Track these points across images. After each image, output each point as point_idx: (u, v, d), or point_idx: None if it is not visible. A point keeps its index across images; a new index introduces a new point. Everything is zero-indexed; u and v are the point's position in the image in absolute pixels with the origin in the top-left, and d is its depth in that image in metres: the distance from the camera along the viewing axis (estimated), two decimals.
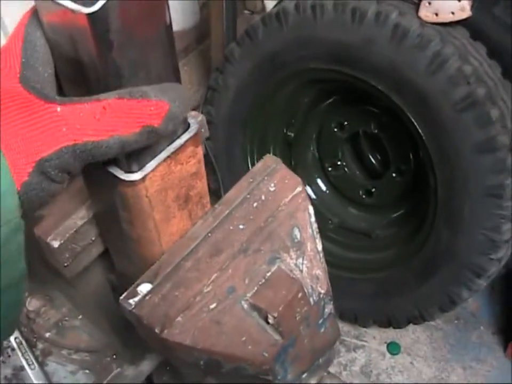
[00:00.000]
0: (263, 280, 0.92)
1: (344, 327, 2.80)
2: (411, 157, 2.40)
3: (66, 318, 1.30)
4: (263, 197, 0.97)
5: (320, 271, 0.98)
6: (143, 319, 0.87)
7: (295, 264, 0.96)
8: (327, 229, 2.70)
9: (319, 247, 0.99)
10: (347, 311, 2.64)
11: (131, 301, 0.87)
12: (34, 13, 0.71)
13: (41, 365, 1.29)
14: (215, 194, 2.61)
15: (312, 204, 2.62)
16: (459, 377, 2.65)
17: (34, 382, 1.26)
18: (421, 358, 2.72)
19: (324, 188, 2.76)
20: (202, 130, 1.05)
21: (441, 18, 2.00)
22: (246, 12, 3.41)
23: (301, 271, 0.96)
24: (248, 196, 0.97)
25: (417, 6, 2.01)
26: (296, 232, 0.97)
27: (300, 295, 0.93)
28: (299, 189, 0.99)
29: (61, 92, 0.76)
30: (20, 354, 1.28)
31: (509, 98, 2.08)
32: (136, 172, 0.80)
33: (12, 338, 1.30)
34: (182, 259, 0.90)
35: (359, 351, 2.76)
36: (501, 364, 2.68)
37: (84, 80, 0.71)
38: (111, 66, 0.69)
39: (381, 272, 2.47)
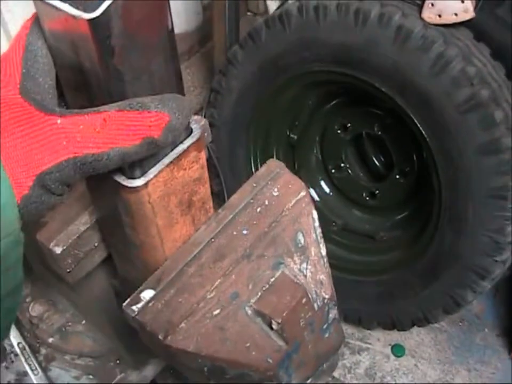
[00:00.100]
0: (267, 286, 0.92)
1: (348, 329, 2.79)
2: (415, 158, 2.39)
3: (70, 323, 1.30)
4: (266, 202, 0.96)
5: (324, 276, 0.97)
6: (146, 326, 0.86)
7: (299, 269, 0.95)
8: (331, 231, 2.69)
9: (323, 251, 0.98)
10: (351, 313, 2.63)
11: (134, 307, 0.87)
12: (36, 20, 0.70)
13: (45, 370, 1.29)
14: (218, 197, 2.60)
15: (316, 206, 2.61)
16: (464, 379, 2.64)
17: None
18: (426, 360, 2.71)
19: (327, 190, 2.75)
20: (206, 134, 1.05)
21: (444, 20, 1.99)
22: (248, 13, 3.40)
23: (305, 276, 0.95)
24: (252, 201, 0.96)
25: (420, 7, 2.00)
26: (300, 237, 0.97)
27: (304, 300, 0.93)
28: (303, 193, 0.98)
29: (62, 99, 0.76)
30: (23, 359, 1.28)
31: None
32: (138, 178, 0.79)
33: (15, 344, 1.29)
34: (185, 265, 0.90)
35: (363, 353, 2.75)
36: (506, 366, 2.66)
37: (86, 86, 0.70)
38: (113, 72, 0.68)
39: (385, 274, 2.46)
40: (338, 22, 2.08)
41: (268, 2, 3.20)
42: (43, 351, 1.31)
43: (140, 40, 0.69)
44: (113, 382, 1.28)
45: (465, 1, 1.92)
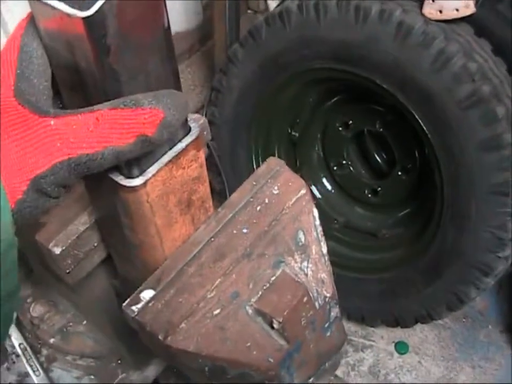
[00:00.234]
0: (268, 285, 0.92)
1: (351, 327, 2.79)
2: (416, 155, 2.38)
3: (71, 324, 1.30)
4: (266, 200, 0.96)
5: (325, 274, 0.97)
6: (146, 326, 0.86)
7: (300, 268, 0.95)
8: (333, 229, 2.68)
9: (324, 250, 0.98)
10: (354, 311, 2.62)
11: (134, 307, 0.86)
12: (31, 20, 0.70)
13: (46, 371, 1.29)
14: (220, 196, 2.60)
15: (318, 204, 2.61)
16: (467, 376, 2.63)
17: None
18: (429, 357, 2.70)
19: (329, 187, 2.74)
20: (205, 133, 1.04)
21: (445, 16, 1.98)
22: (249, 11, 3.40)
23: (306, 274, 0.95)
24: (252, 199, 0.96)
25: (421, 3, 1.99)
26: (301, 235, 0.96)
27: (305, 299, 0.92)
28: (303, 191, 0.98)
29: (59, 97, 0.75)
30: (24, 360, 1.28)
31: None
32: (137, 177, 0.79)
33: (16, 345, 1.29)
34: (185, 264, 0.90)
35: (367, 351, 2.74)
36: (510, 363, 2.65)
37: (82, 85, 0.70)
38: (109, 71, 0.68)
39: (388, 272, 2.45)
40: (338, 19, 2.07)
41: (269, 1, 3.19)
42: (44, 351, 1.30)
43: (135, 39, 0.68)
44: (114, 383, 1.28)
45: None
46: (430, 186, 2.24)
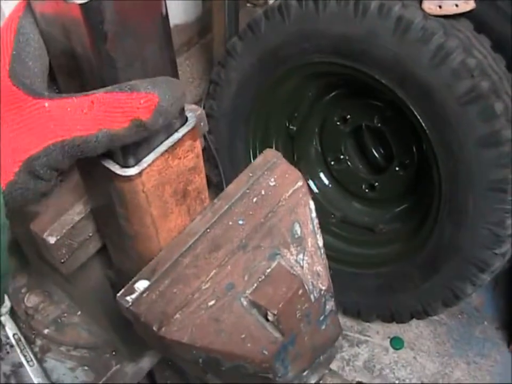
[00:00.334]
0: (263, 277, 0.91)
1: (347, 321, 2.79)
2: (414, 151, 2.38)
3: (65, 315, 1.29)
4: (263, 192, 0.95)
5: (321, 267, 0.96)
6: (140, 317, 0.85)
7: (296, 260, 0.94)
8: (330, 223, 2.68)
9: (320, 242, 0.97)
10: (350, 306, 2.63)
11: (128, 298, 0.86)
12: (28, 4, 0.69)
13: (40, 361, 1.28)
14: (218, 188, 2.60)
15: (315, 198, 2.61)
16: (463, 372, 2.63)
17: (33, 379, 1.25)
18: (425, 353, 2.71)
19: (326, 182, 2.74)
20: (202, 124, 1.04)
21: (445, 11, 1.98)
22: (248, 4, 3.39)
23: (302, 267, 0.94)
24: (248, 191, 0.95)
25: None
26: (297, 227, 0.95)
27: (300, 291, 0.92)
28: (300, 183, 0.97)
29: (55, 85, 0.75)
30: (18, 351, 1.27)
31: None
32: (132, 166, 0.78)
33: (10, 335, 1.29)
34: (180, 255, 0.89)
35: (362, 346, 2.75)
36: (505, 359, 2.66)
37: (78, 72, 0.69)
38: (106, 58, 0.67)
39: (384, 267, 2.46)
40: (338, 13, 2.07)
41: None
42: (38, 342, 1.30)
43: (132, 26, 0.68)
44: (108, 374, 1.28)
45: None
46: (428, 182, 2.24)
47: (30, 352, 1.27)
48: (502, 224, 2.06)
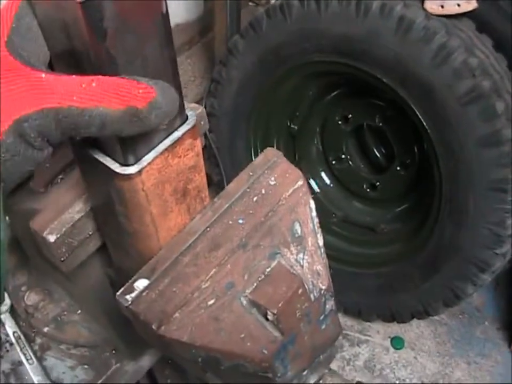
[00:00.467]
0: (263, 276, 0.91)
1: (347, 321, 2.79)
2: (415, 150, 2.38)
3: (65, 313, 1.29)
4: (263, 191, 0.95)
5: (321, 266, 0.96)
6: (139, 315, 0.85)
7: (296, 260, 0.94)
8: (331, 223, 2.68)
9: (320, 242, 0.97)
10: (351, 306, 2.63)
11: (128, 296, 0.86)
12: (28, 1, 0.69)
13: (40, 360, 1.28)
14: (218, 187, 2.60)
15: (316, 198, 2.61)
16: (463, 372, 2.63)
17: (33, 377, 1.25)
18: (425, 353, 2.71)
19: (328, 181, 2.74)
20: (202, 122, 1.03)
21: (447, 11, 1.98)
22: (250, 3, 3.39)
23: (302, 266, 0.94)
24: (248, 190, 0.95)
25: None
26: (297, 226, 0.95)
27: (300, 291, 0.91)
28: (300, 182, 0.97)
29: None
30: (18, 349, 1.27)
31: None
32: (132, 165, 0.78)
33: (10, 333, 1.28)
34: (180, 254, 0.89)
35: (362, 345, 2.75)
36: (506, 359, 2.66)
37: (78, 69, 0.69)
38: (106, 55, 0.67)
39: (385, 267, 2.46)
40: (339, 12, 2.07)
41: None
42: (38, 340, 1.29)
43: (133, 23, 0.68)
44: (108, 372, 1.27)
45: None
46: (429, 182, 2.24)
47: (29, 350, 1.27)
48: (502, 224, 2.06)
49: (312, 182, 2.73)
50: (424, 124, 2.07)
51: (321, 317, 0.98)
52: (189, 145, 0.83)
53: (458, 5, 1.96)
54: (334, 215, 2.69)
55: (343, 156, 2.65)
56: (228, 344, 0.88)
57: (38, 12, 0.68)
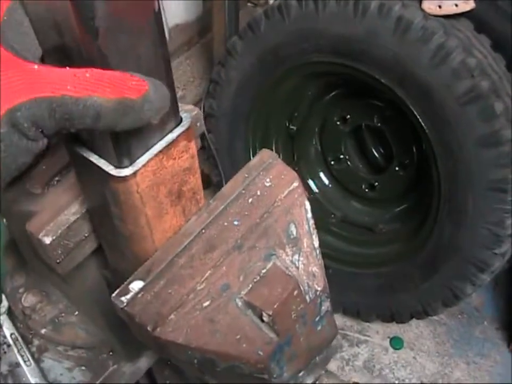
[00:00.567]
0: (258, 278, 0.91)
1: (347, 321, 2.79)
2: (414, 150, 2.38)
3: (63, 314, 1.29)
4: (258, 193, 0.95)
5: (316, 267, 0.96)
6: (135, 317, 0.85)
7: (291, 261, 0.94)
8: (330, 223, 2.68)
9: (316, 243, 0.97)
10: (350, 306, 2.63)
11: (123, 298, 0.86)
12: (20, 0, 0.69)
13: (37, 361, 1.28)
14: (218, 188, 2.59)
15: (315, 198, 2.60)
16: (462, 372, 2.63)
17: (30, 379, 1.25)
18: (424, 353, 2.71)
19: (326, 181, 2.74)
20: (198, 124, 1.04)
21: (444, 11, 1.98)
22: (249, 4, 3.39)
23: (297, 267, 0.94)
24: (244, 191, 0.95)
25: None
26: (292, 228, 0.95)
27: (295, 292, 0.91)
28: (295, 184, 0.97)
29: None
30: (15, 350, 1.27)
31: None
32: (127, 167, 0.78)
33: (7, 335, 1.29)
34: (175, 256, 0.89)
35: (362, 345, 2.75)
36: (505, 359, 2.66)
37: (70, 65, 0.69)
38: (97, 54, 0.67)
39: (384, 267, 2.46)
40: (337, 13, 2.07)
41: None
42: (36, 342, 1.30)
43: (125, 21, 0.67)
44: (106, 374, 1.28)
45: None
46: (428, 182, 2.24)
47: (27, 352, 1.27)
48: (501, 224, 2.06)
49: (311, 182, 2.73)
50: (423, 124, 2.07)
51: (317, 318, 0.98)
52: (184, 147, 0.83)
53: (456, 5, 1.96)
54: (332, 215, 2.69)
55: (341, 156, 2.65)
56: (223, 346, 0.88)
57: (29, 10, 0.68)
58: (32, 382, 1.24)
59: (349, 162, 2.66)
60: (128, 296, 0.86)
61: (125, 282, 0.87)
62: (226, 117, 2.55)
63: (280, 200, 0.95)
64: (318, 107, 2.59)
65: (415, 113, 2.07)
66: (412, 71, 2.01)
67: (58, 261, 0.97)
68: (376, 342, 2.76)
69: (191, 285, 0.87)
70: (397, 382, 2.63)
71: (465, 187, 2.07)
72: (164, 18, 3.23)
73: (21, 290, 1.31)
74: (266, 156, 0.99)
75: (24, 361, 1.26)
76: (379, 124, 2.42)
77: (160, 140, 0.80)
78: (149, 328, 0.85)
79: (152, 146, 0.80)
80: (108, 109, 0.65)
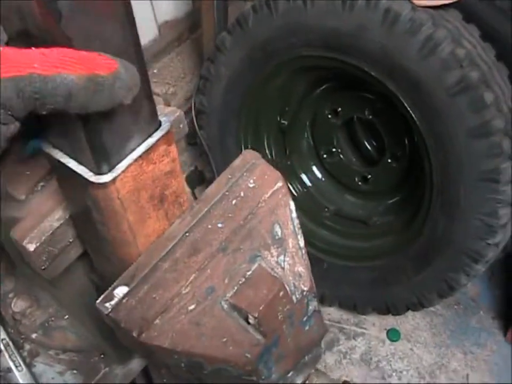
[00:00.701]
0: (243, 280, 0.91)
1: (343, 314, 2.79)
2: (406, 142, 2.37)
3: (53, 319, 1.29)
4: (242, 194, 0.95)
5: (302, 267, 0.96)
6: (120, 323, 0.85)
7: (277, 262, 0.94)
8: (324, 217, 2.68)
9: (301, 243, 0.97)
10: (346, 299, 2.62)
11: (107, 304, 0.86)
12: None
13: (29, 366, 1.28)
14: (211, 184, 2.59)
15: (308, 192, 2.59)
16: (459, 363, 2.63)
17: None
18: (421, 344, 2.71)
19: (319, 175, 2.74)
20: (181, 126, 1.03)
21: (433, 2, 1.97)
22: None
23: (283, 268, 0.94)
24: (227, 193, 0.95)
25: None
26: (277, 228, 0.95)
27: (281, 293, 0.91)
28: (279, 184, 0.97)
29: None
30: (7, 356, 1.27)
31: (503, 82, 2.04)
32: (106, 173, 0.77)
33: None
34: (159, 260, 0.89)
35: (358, 338, 2.74)
36: (501, 348, 2.66)
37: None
38: (61, 38, 0.65)
39: (379, 260, 2.45)
40: (325, 6, 2.05)
41: None
42: (27, 346, 1.29)
43: (89, 3, 0.66)
44: (97, 377, 1.27)
45: None
46: (420, 174, 2.23)
47: (18, 357, 1.27)
48: (494, 214, 2.05)
49: (304, 176, 2.72)
50: (413, 116, 2.06)
51: (305, 318, 0.98)
52: (164, 151, 0.83)
53: None
54: (326, 209, 2.69)
55: (334, 150, 2.64)
56: (209, 349, 0.88)
57: None
58: None
59: (341, 156, 2.65)
60: (113, 302, 0.85)
61: (110, 288, 0.87)
62: (217, 113, 2.54)
63: (264, 200, 0.95)
64: (309, 101, 2.58)
65: (405, 105, 2.06)
66: (401, 63, 2.00)
67: (43, 267, 0.96)
68: (373, 334, 2.75)
69: (175, 289, 0.87)
70: (394, 374, 2.63)
71: (457, 178, 2.06)
72: (153, 15, 3.22)
73: (10, 295, 1.30)
74: (249, 156, 0.98)
75: (16, 366, 1.26)
76: (370, 116, 2.41)
77: (139, 145, 0.80)
78: (134, 334, 0.84)
79: (131, 152, 0.79)
80: (79, 86, 0.63)
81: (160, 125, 0.82)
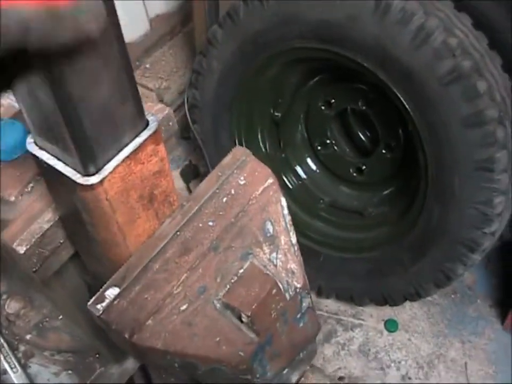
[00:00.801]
0: (236, 278, 0.90)
1: (340, 306, 2.79)
2: (400, 133, 2.36)
3: (47, 319, 1.28)
4: (233, 191, 0.94)
5: (295, 264, 0.95)
6: (111, 325, 0.84)
7: (269, 259, 0.93)
8: (319, 208, 2.67)
9: (294, 239, 0.96)
10: (343, 291, 2.62)
11: (99, 306, 0.85)
12: None
13: (24, 367, 1.27)
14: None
15: (303, 184, 2.58)
16: (457, 352, 2.63)
17: None
18: (419, 334, 2.70)
19: (314, 167, 2.72)
20: (170, 123, 1.02)
21: None
22: None
23: (275, 265, 0.93)
24: (218, 191, 0.94)
25: None
26: (269, 225, 0.94)
27: (274, 291, 0.91)
28: (270, 180, 0.96)
29: None
30: (2, 357, 1.26)
31: (496, 70, 2.03)
32: (93, 174, 0.77)
33: None
34: (150, 260, 0.88)
35: (356, 329, 2.74)
36: (499, 336, 2.66)
37: None
38: None
39: (375, 251, 2.44)
40: None
41: None
42: (22, 348, 1.29)
43: None
44: (93, 377, 1.27)
45: None
46: (414, 164, 2.22)
47: (13, 359, 1.26)
48: (489, 203, 2.05)
49: (299, 169, 2.71)
50: (406, 106, 2.05)
51: (298, 315, 0.97)
52: (152, 151, 0.82)
53: None
54: (321, 201, 2.68)
55: (328, 141, 2.63)
56: (202, 349, 0.87)
57: None
58: None
59: (335, 147, 2.64)
60: (104, 304, 0.85)
61: (101, 289, 0.86)
62: (210, 107, 2.52)
63: (255, 198, 0.94)
64: (302, 93, 2.57)
65: (398, 95, 2.05)
66: (393, 54, 1.98)
67: (34, 269, 0.96)
68: (371, 325, 2.75)
69: (167, 289, 0.86)
70: (393, 364, 2.63)
71: (452, 168, 2.05)
72: (144, 9, 3.20)
73: (4, 296, 1.30)
74: (239, 153, 0.97)
75: (11, 368, 1.25)
76: (364, 107, 2.40)
77: (126, 145, 0.79)
78: (126, 335, 0.84)
79: (118, 152, 0.78)
80: (34, 20, 0.60)
81: (147, 124, 0.81)
